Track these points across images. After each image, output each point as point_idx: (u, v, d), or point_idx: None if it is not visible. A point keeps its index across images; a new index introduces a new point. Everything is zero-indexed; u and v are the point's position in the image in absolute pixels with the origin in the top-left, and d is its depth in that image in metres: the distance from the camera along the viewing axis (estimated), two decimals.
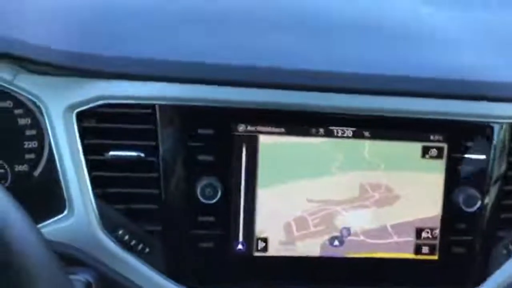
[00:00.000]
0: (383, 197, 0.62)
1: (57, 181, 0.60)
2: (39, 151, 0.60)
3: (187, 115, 0.60)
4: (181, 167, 0.60)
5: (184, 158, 0.60)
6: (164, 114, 0.59)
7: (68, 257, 0.58)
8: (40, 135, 0.60)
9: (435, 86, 0.61)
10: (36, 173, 0.61)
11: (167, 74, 0.59)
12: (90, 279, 0.55)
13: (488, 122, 0.64)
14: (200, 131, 0.60)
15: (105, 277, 0.59)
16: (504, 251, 0.67)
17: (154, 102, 0.59)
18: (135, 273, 0.60)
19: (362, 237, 0.63)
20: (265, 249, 0.62)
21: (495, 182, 0.64)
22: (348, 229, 0.63)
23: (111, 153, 0.59)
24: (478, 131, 0.64)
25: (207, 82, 0.59)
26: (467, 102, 0.62)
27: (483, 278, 0.66)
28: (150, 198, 0.60)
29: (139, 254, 0.60)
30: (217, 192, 0.59)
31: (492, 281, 0.66)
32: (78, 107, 0.59)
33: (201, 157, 0.60)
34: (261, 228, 0.62)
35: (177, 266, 0.61)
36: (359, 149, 0.62)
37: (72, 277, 0.53)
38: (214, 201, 0.59)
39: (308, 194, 0.62)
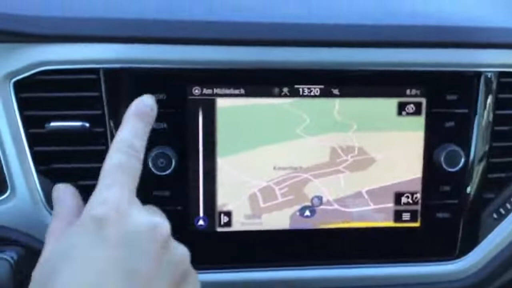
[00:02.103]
0: (356, 160, 0.57)
1: None
2: None
3: (135, 79, 0.54)
4: None
5: None
6: (110, 79, 0.54)
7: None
8: None
9: (411, 33, 0.55)
10: None
11: (110, 34, 0.53)
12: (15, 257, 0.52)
13: (473, 72, 0.57)
14: None
15: None
16: (494, 216, 0.61)
17: (98, 66, 0.54)
18: None
19: (335, 206, 0.57)
20: (228, 223, 0.57)
21: (481, 138, 0.58)
22: (319, 198, 0.57)
23: (53, 123, 0.54)
24: (461, 83, 0.57)
25: (155, 41, 0.54)
26: (447, 50, 0.56)
27: (471, 246, 0.60)
28: (98, 173, 0.55)
29: None
30: (171, 162, 0.54)
31: (480, 249, 0.60)
32: (15, 76, 0.54)
33: (153, 125, 0.54)
34: (223, 201, 0.56)
35: None
36: (328, 109, 0.56)
37: None
38: (168, 172, 0.54)
39: (274, 161, 0.56)
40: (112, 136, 0.54)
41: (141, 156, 0.46)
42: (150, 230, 0.40)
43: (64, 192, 0.50)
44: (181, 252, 0.43)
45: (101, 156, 0.54)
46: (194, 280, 0.44)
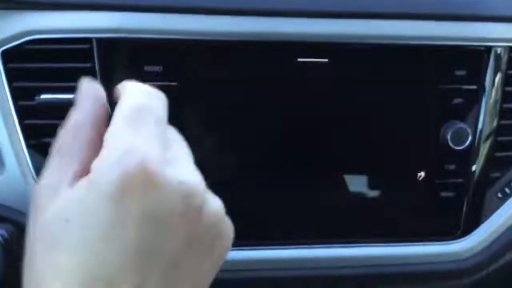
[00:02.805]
0: (359, 132, 0.55)
1: None
2: None
3: (130, 50, 0.52)
4: None
5: None
6: (103, 50, 0.51)
7: None
8: None
9: (419, 5, 0.53)
10: None
11: (103, 1, 0.51)
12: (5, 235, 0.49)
13: (482, 46, 0.55)
14: (147, 68, 0.52)
15: None
16: (499, 195, 0.59)
17: (91, 35, 0.51)
18: None
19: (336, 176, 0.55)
20: None
21: (489, 116, 0.57)
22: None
23: (44, 96, 0.51)
24: (470, 58, 0.55)
25: (152, 10, 0.51)
26: (456, 23, 0.54)
27: (474, 225, 0.59)
28: None
29: None
30: None
31: (484, 229, 0.59)
32: (3, 45, 0.51)
33: None
34: None
35: None
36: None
37: None
38: None
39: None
40: None
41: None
42: (183, 201, 0.30)
43: (85, 95, 0.35)
44: (215, 209, 0.32)
45: None
46: (229, 232, 0.35)
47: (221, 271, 0.31)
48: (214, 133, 0.53)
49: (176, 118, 0.52)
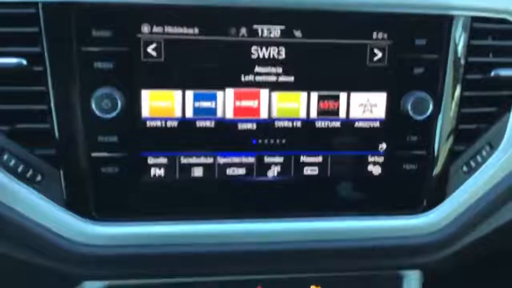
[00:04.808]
0: (321, 102, 0.53)
1: None
2: None
3: (77, 15, 0.50)
4: (73, 78, 0.50)
5: (76, 66, 0.50)
6: (50, 14, 0.49)
7: None
8: None
9: None
10: None
11: None
12: None
13: (443, 15, 0.54)
14: (95, 33, 0.50)
15: None
16: (464, 169, 0.58)
17: None
18: (25, 204, 0.51)
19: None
20: (186, 170, 0.53)
21: (452, 86, 0.55)
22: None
23: None
24: (430, 27, 0.54)
25: None
26: None
27: (438, 200, 0.57)
28: (38, 116, 0.51)
29: (29, 183, 0.51)
30: (117, 104, 0.50)
31: (449, 203, 0.57)
32: None
33: (97, 65, 0.50)
34: None
35: (74, 196, 0.52)
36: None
37: None
38: (114, 115, 0.50)
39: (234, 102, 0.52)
40: (53, 77, 0.50)
41: None
42: None
43: None
44: None
45: (40, 98, 0.51)
46: None
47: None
48: None
49: (127, 83, 0.51)
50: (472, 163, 0.57)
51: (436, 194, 0.57)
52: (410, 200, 0.56)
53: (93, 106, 0.49)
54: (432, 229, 0.57)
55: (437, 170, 0.56)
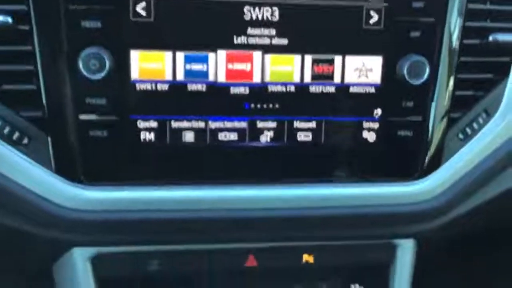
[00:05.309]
0: (316, 66, 0.52)
1: None
2: None
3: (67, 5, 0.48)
4: (60, 37, 0.48)
5: (63, 25, 0.48)
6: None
7: None
8: None
9: None
10: None
11: None
12: None
13: None
14: (83, 23, 0.48)
15: None
16: (460, 136, 0.57)
17: None
18: (12, 168, 0.50)
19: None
20: (176, 134, 0.52)
21: (449, 51, 0.54)
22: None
23: None
24: None
25: None
26: None
27: (434, 167, 0.56)
28: (24, 76, 0.49)
29: (16, 146, 0.50)
30: (105, 64, 0.48)
31: (444, 170, 0.56)
32: None
33: (84, 24, 0.48)
34: None
35: (62, 160, 0.51)
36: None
37: None
38: (102, 75, 0.48)
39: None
40: (39, 36, 0.48)
41: None
42: None
43: None
44: None
45: (26, 58, 0.49)
46: None
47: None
48: None
49: (116, 43, 0.50)
50: (468, 130, 0.56)
51: (432, 161, 0.56)
52: (405, 167, 0.55)
53: (81, 66, 0.48)
54: (427, 196, 0.56)
55: (432, 137, 0.55)
